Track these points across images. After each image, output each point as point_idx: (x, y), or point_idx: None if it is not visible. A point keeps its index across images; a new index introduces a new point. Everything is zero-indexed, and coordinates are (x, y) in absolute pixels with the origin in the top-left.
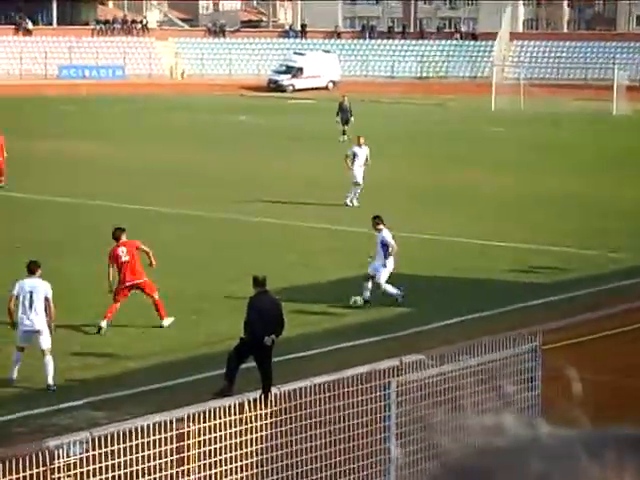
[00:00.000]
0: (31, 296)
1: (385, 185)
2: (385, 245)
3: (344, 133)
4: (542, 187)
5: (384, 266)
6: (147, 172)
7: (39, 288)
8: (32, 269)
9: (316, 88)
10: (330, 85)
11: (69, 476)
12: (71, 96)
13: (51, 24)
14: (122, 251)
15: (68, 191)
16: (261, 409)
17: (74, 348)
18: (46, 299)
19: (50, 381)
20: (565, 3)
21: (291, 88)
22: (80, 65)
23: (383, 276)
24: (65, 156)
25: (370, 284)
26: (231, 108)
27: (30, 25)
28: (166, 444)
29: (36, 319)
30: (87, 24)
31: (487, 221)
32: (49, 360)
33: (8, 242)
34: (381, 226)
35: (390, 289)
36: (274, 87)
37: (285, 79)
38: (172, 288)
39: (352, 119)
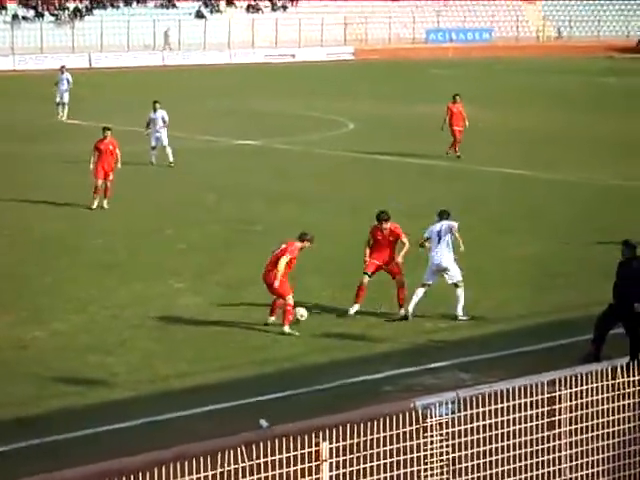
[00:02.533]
0: (438, 234)
1: None
2: None
3: None
4: None
5: None
6: (526, 136)
7: (445, 227)
8: (443, 215)
9: None
10: None
11: (440, 435)
12: (438, 59)
13: None
14: None
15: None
16: (633, 376)
17: (440, 310)
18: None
19: (460, 311)
20: None
21: None
22: (447, 28)
23: None
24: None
25: None
26: (599, 70)
27: None
28: (534, 408)
29: (445, 256)
30: None
31: None
32: (461, 292)
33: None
34: None
35: None
36: None
37: None
38: (537, 251)
39: None
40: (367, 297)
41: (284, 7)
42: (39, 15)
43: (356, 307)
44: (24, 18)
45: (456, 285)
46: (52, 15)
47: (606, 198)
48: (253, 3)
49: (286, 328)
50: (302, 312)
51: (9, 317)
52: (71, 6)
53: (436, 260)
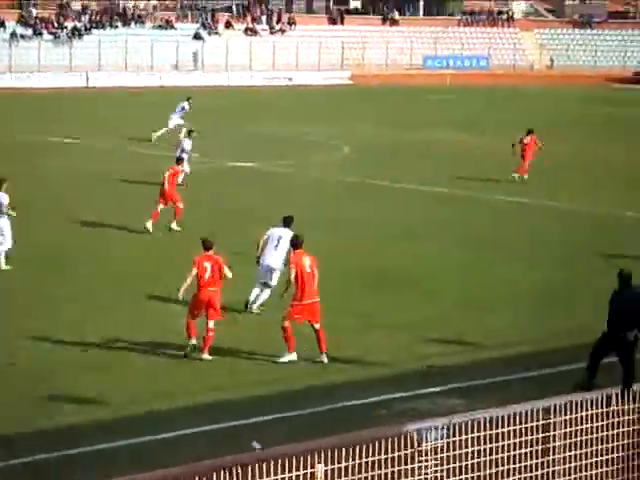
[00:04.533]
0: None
1: None
2: None
3: None
4: None
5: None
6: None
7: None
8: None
9: None
10: None
11: (435, 459)
12: (435, 85)
13: (417, 15)
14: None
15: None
16: (625, 405)
17: (433, 335)
18: None
19: (255, 306)
20: None
21: None
22: (445, 55)
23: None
24: (436, 145)
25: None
26: (596, 99)
27: (397, 15)
28: (528, 434)
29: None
30: (452, 15)
31: None
32: (267, 293)
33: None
34: None
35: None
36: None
37: None
38: (539, 278)
39: None
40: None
41: (282, 30)
42: (37, 34)
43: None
44: (22, 36)
45: (267, 285)
46: (50, 34)
47: (609, 226)
48: (251, 26)
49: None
50: None
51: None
52: (69, 25)
53: (266, 261)
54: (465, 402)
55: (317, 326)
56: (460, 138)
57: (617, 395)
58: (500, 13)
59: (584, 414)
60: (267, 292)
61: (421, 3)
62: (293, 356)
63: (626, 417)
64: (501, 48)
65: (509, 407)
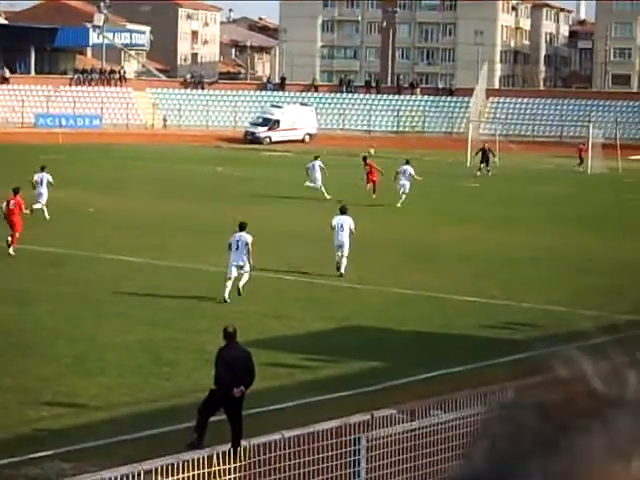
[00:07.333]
0: None
1: (368, 240)
2: None
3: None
4: (519, 243)
5: None
6: (123, 222)
7: None
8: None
9: (293, 141)
10: (307, 138)
11: None
12: (47, 144)
13: (29, 73)
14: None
15: (47, 241)
16: (231, 463)
17: (46, 398)
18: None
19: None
20: (542, 60)
21: (268, 140)
22: (57, 114)
23: None
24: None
25: None
26: (208, 159)
27: (7, 73)
28: None
29: None
30: (65, 73)
31: (463, 277)
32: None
33: None
34: None
35: None
36: (251, 139)
37: (262, 131)
38: (144, 338)
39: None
40: None
41: None
42: None
43: None
44: None
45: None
46: None
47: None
48: None
49: None
50: None
51: None
52: None
53: None
54: (74, 465)
55: None
56: (69, 196)
57: (221, 454)
58: (112, 72)
59: (188, 474)
60: None
61: (32, 60)
62: None
63: (230, 476)
64: (114, 107)
65: (114, 469)
